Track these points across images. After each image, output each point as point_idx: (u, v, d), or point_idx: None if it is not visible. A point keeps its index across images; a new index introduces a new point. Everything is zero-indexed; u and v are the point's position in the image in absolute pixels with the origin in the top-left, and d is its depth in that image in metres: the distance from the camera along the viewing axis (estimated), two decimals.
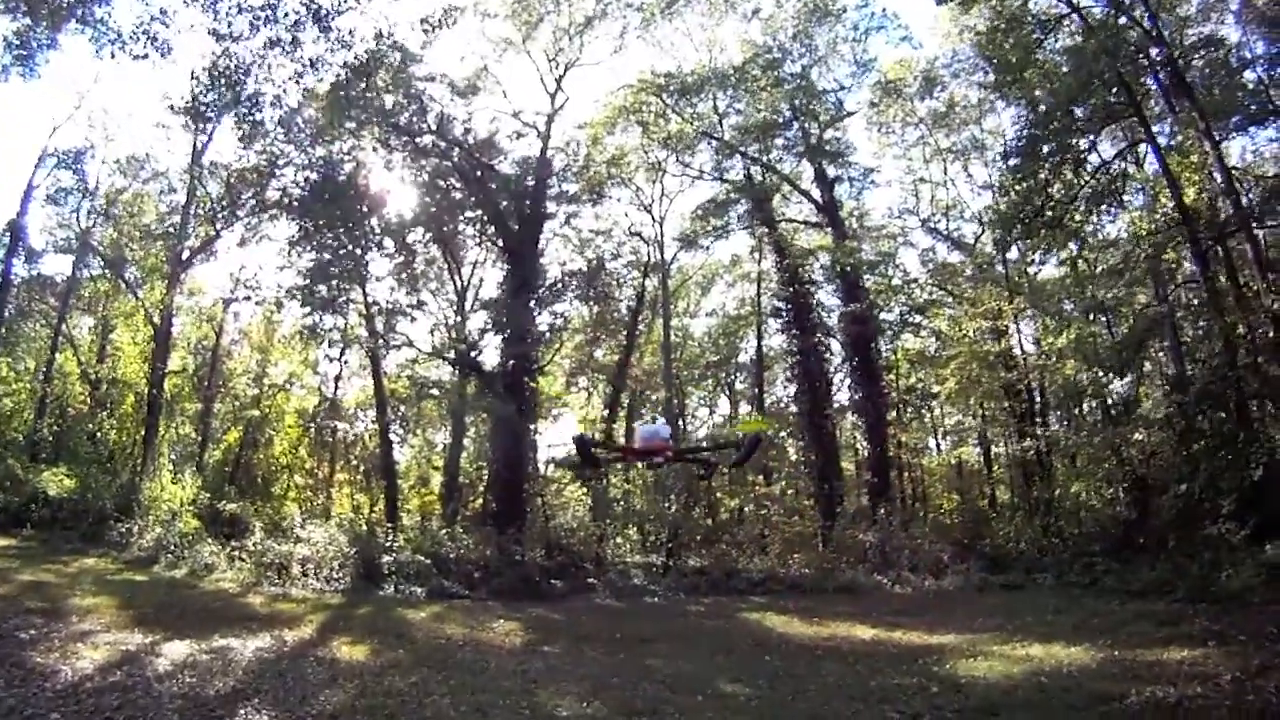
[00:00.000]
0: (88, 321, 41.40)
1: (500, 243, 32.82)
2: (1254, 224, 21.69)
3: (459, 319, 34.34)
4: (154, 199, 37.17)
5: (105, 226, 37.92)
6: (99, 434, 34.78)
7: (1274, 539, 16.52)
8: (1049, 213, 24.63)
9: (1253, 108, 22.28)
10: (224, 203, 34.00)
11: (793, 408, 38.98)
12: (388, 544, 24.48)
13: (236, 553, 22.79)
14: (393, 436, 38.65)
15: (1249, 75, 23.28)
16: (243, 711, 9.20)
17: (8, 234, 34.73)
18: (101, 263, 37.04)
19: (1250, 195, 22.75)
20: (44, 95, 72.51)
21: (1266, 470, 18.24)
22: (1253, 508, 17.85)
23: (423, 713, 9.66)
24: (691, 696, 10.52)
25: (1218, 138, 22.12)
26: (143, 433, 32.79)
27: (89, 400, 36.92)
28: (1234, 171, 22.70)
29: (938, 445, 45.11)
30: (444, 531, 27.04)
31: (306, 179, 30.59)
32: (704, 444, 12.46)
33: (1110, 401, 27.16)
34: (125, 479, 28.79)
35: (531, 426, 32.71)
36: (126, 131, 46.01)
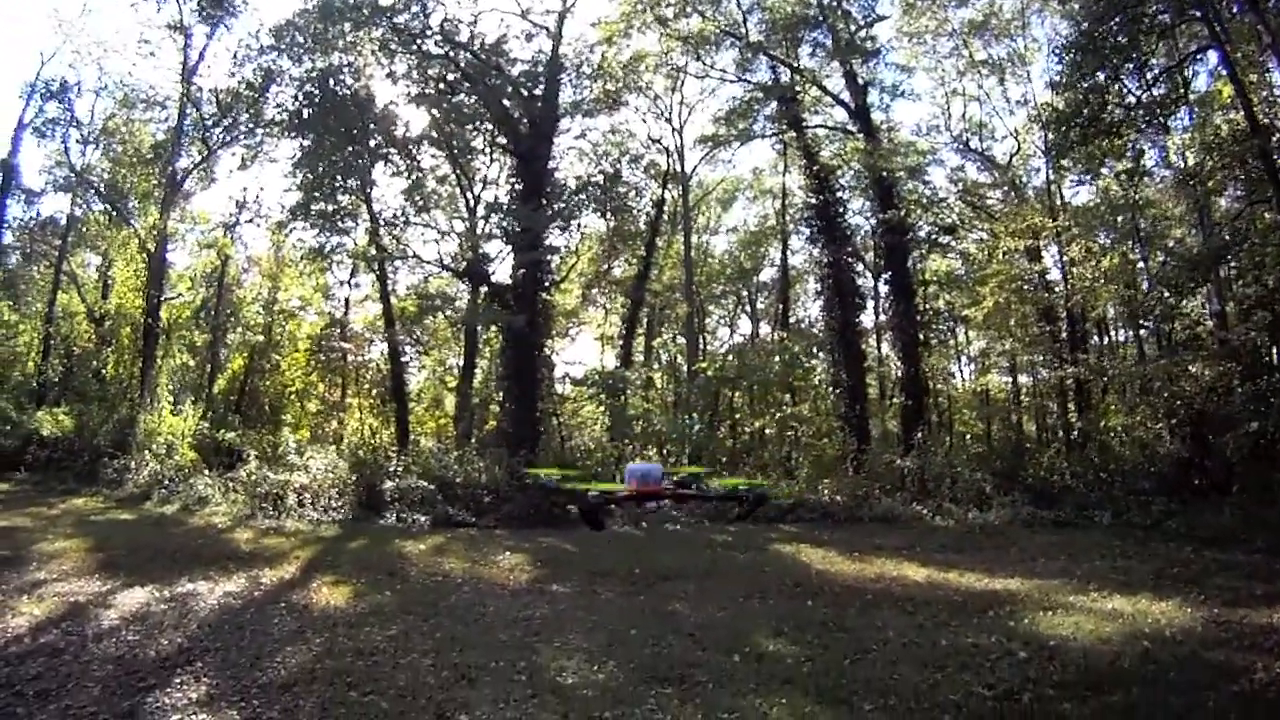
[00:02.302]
0: (94, 260, 41.06)
1: (511, 148, 31.02)
2: None
3: (469, 231, 32.70)
4: (145, 124, 35.86)
5: (99, 157, 37.01)
6: (104, 371, 33.82)
7: None
8: (1108, 117, 22.62)
9: None
10: (216, 120, 33.18)
11: (818, 326, 37.70)
12: (391, 469, 23.20)
13: (231, 485, 21.97)
14: (404, 357, 37.66)
15: None
16: (178, 680, 7.89)
17: (1, 174, 34.18)
18: (97, 195, 35.68)
19: None
20: (32, 30, 70.87)
21: None
22: None
23: (393, 679, 8.12)
24: (726, 656, 8.90)
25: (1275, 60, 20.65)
26: (140, 365, 31.71)
27: (94, 338, 35.89)
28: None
29: (961, 372, 43.76)
30: (452, 455, 25.63)
31: (305, 93, 29.50)
32: (705, 492, 11.72)
33: (1168, 329, 25.43)
34: (123, 414, 27.94)
35: (546, 342, 31.29)
36: (116, 62, 44.40)
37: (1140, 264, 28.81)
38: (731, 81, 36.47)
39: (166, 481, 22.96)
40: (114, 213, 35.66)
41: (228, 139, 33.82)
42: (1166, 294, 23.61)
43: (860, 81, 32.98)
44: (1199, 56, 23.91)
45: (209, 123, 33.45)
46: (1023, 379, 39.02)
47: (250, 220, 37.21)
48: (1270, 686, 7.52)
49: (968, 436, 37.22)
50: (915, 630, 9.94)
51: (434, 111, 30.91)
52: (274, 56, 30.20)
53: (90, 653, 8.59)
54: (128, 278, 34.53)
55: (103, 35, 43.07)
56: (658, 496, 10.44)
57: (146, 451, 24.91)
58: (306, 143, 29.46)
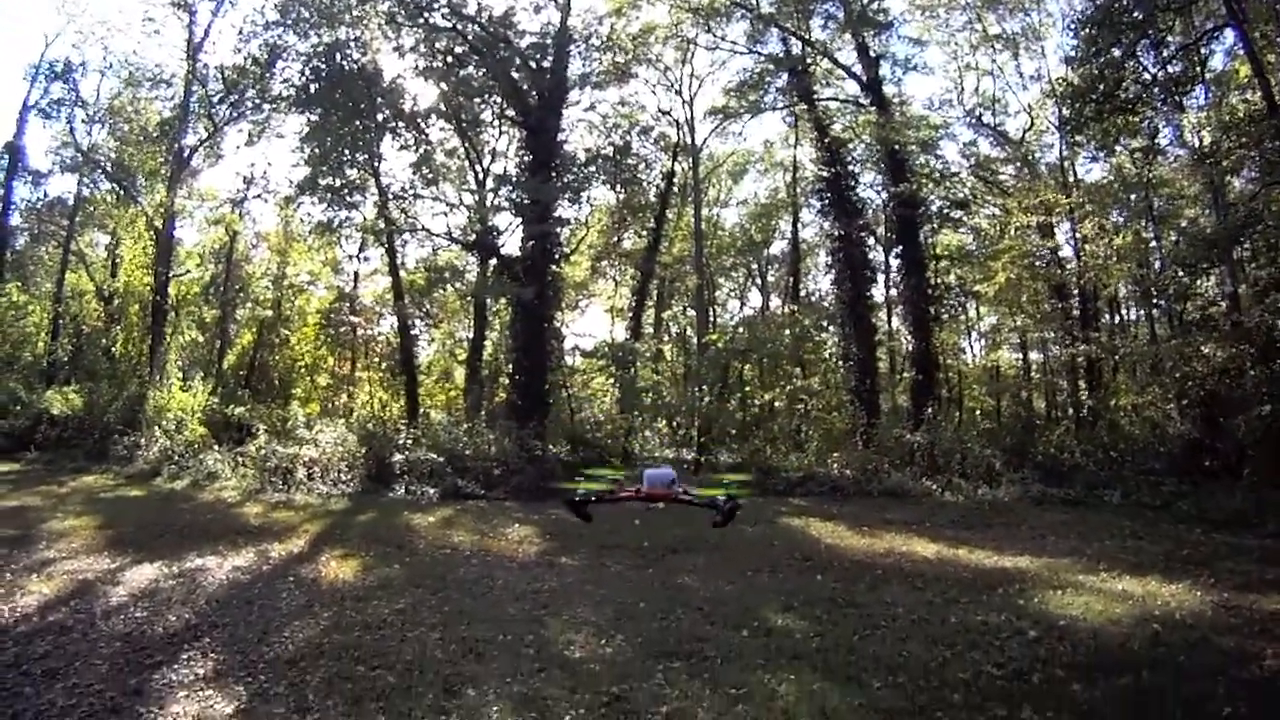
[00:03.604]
0: (102, 239, 41.00)
1: (519, 120, 30.81)
2: None
3: (478, 204, 32.57)
4: (151, 103, 35.76)
5: (105, 136, 36.93)
6: (113, 349, 33.85)
7: None
8: (1124, 93, 22.44)
9: None
10: (222, 96, 33.18)
11: (828, 300, 37.59)
12: (400, 442, 23.22)
13: (240, 459, 22.09)
14: (413, 330, 37.71)
15: None
16: (185, 655, 7.91)
17: (6, 156, 34.26)
18: (104, 174, 35.63)
19: None
20: (36, 11, 70.67)
21: None
22: None
23: (401, 652, 8.12)
24: (735, 631, 8.89)
25: None
26: (149, 342, 31.77)
27: (103, 317, 35.94)
28: None
29: (971, 348, 43.66)
30: (462, 427, 25.67)
31: (312, 68, 29.34)
32: (697, 500, 11.91)
33: (1180, 309, 25.27)
34: (132, 391, 27.99)
35: (555, 314, 31.22)
36: (120, 41, 44.25)
37: (1153, 243, 28.65)
38: (742, 53, 36.13)
39: (176, 457, 23.04)
40: (121, 191, 35.63)
41: (234, 115, 33.79)
42: (1180, 273, 23.45)
43: (872, 54, 32.70)
44: (1216, 35, 23.58)
45: (215, 99, 33.41)
46: (1033, 356, 39.02)
47: (258, 196, 37.45)
48: None
49: (977, 412, 37.23)
50: (924, 607, 9.91)
51: (442, 84, 30.65)
52: (279, 32, 30.03)
53: (98, 630, 8.59)
54: (136, 256, 34.53)
55: (106, 14, 42.97)
56: (662, 500, 10.57)
57: (156, 428, 24.97)
58: (314, 117, 29.36)
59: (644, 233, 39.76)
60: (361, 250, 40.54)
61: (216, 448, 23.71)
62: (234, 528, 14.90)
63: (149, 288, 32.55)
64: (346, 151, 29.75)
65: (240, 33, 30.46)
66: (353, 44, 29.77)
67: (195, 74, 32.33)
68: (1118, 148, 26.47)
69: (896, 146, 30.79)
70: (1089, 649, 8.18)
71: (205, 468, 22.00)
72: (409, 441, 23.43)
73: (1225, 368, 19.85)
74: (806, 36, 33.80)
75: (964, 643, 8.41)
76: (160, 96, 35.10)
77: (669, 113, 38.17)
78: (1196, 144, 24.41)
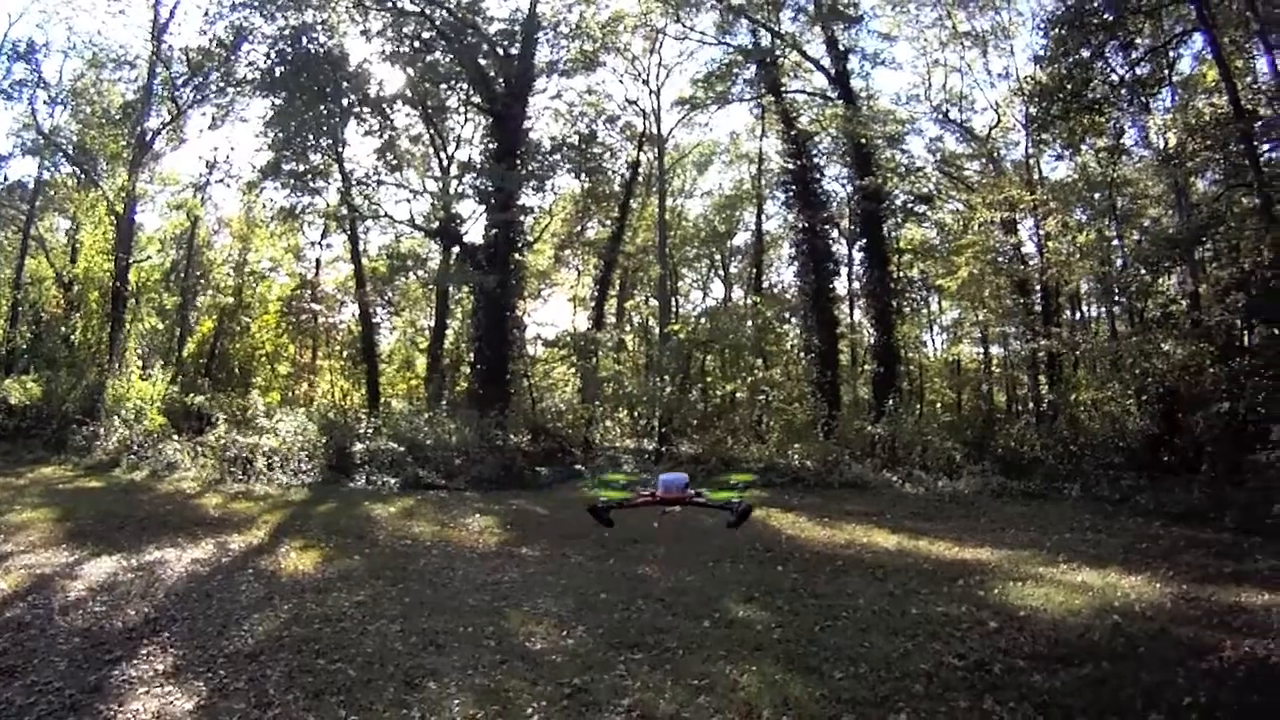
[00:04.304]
0: (63, 224, 39.92)
1: (485, 107, 30.66)
2: None
3: (442, 191, 32.30)
4: (114, 85, 34.93)
5: (67, 118, 35.82)
6: (73, 337, 33.08)
7: None
8: (1091, 93, 22.66)
9: None
10: (186, 79, 32.41)
11: (791, 291, 37.72)
12: (361, 431, 23.07)
13: (200, 449, 21.76)
14: (375, 318, 37.45)
15: None
16: (145, 650, 7.77)
17: None
18: (65, 157, 34.84)
19: None
20: None
21: None
22: None
23: (361, 645, 8.03)
24: (696, 622, 8.88)
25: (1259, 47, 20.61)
26: (108, 329, 31.17)
27: (62, 304, 35.15)
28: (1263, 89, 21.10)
29: (933, 341, 43.99)
30: (423, 416, 25.48)
31: (278, 51, 28.95)
32: (710, 501, 12.11)
33: (1142, 306, 25.53)
34: (91, 379, 27.39)
35: (518, 303, 31.03)
36: (85, 21, 43.58)
37: (1115, 241, 28.86)
38: (711, 44, 35.93)
39: (135, 447, 22.60)
40: (82, 175, 34.82)
41: (198, 98, 33.03)
42: (1142, 272, 23.74)
43: (841, 48, 32.69)
44: (1185, 38, 23.84)
45: (179, 82, 32.70)
46: (995, 350, 39.23)
47: (220, 181, 36.69)
48: (1239, 665, 7.49)
49: (938, 405, 37.34)
50: (885, 598, 9.93)
51: (408, 70, 30.48)
52: (246, 13, 29.42)
53: (57, 626, 8.44)
54: (96, 241, 33.86)
55: None
56: (677, 503, 10.64)
57: (115, 417, 24.49)
58: (278, 101, 28.92)
59: (608, 222, 39.64)
60: (324, 237, 40.33)
61: (176, 437, 23.36)
62: (193, 519, 14.69)
63: (109, 274, 31.91)
64: (310, 136, 29.42)
65: (206, 14, 29.84)
66: (319, 27, 29.43)
67: (159, 55, 31.66)
68: (1083, 147, 26.68)
69: (863, 140, 30.81)
70: (1050, 640, 8.20)
71: (164, 458, 21.61)
72: (370, 431, 23.30)
73: (1185, 365, 19.97)
74: (776, 28, 33.74)
75: (925, 634, 8.43)
76: (123, 78, 34.34)
77: (635, 102, 38.11)
78: (1162, 145, 24.60)
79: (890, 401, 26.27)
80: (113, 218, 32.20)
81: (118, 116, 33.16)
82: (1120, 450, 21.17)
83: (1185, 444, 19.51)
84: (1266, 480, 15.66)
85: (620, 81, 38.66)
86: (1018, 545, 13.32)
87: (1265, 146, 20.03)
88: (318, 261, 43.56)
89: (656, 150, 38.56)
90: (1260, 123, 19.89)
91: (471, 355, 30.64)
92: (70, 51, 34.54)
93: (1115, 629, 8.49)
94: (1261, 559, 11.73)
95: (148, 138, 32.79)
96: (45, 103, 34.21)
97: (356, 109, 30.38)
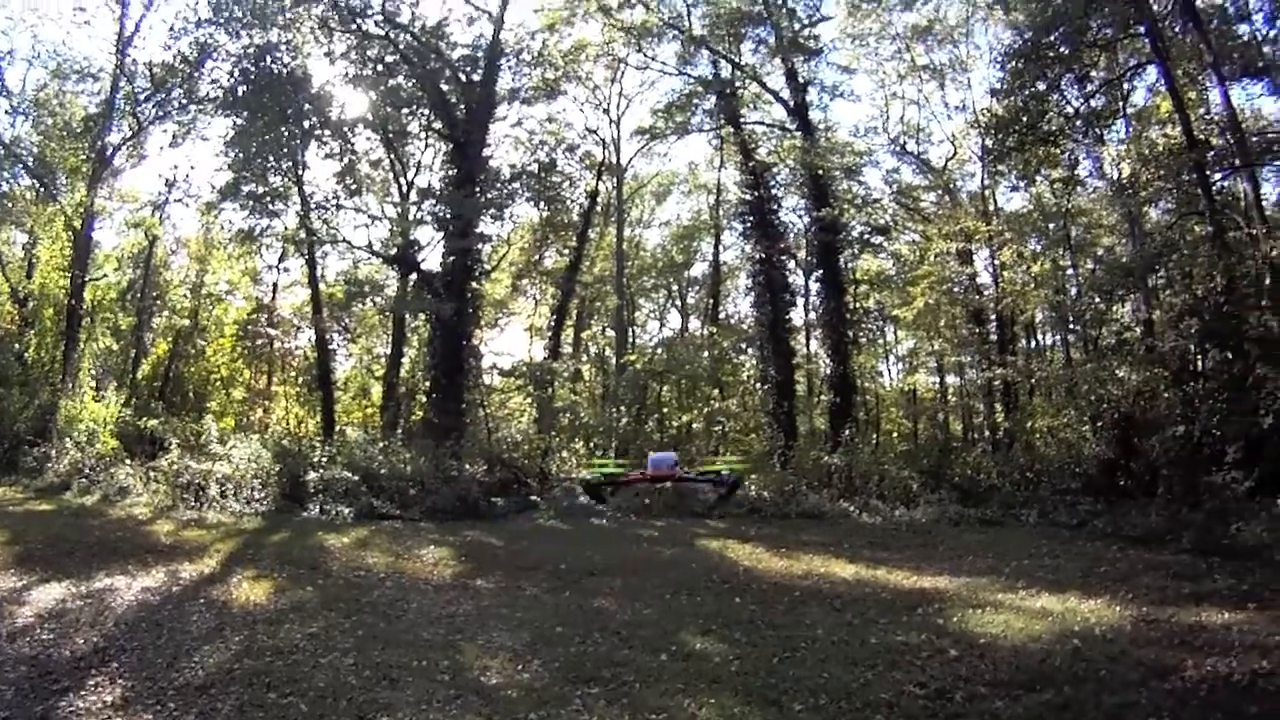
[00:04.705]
0: (20, 238, 39.25)
1: (445, 133, 30.69)
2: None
3: (400, 217, 32.13)
4: (77, 97, 34.35)
5: (28, 129, 35.23)
6: (26, 355, 32.38)
7: None
8: (1046, 125, 23.18)
9: (1237, 59, 21.29)
10: (149, 94, 32.00)
11: (747, 322, 37.89)
12: (315, 460, 22.69)
13: (152, 474, 21.20)
14: (331, 345, 37.09)
15: (1243, 29, 22.42)
16: (92, 681, 7.53)
17: None
18: (25, 169, 34.24)
19: (1253, 139, 21.42)
20: None
21: (1276, 419, 16.91)
22: (1256, 457, 16.72)
23: (313, 679, 7.78)
24: (653, 655, 8.68)
25: (1214, 79, 20.97)
26: (62, 348, 30.66)
27: (17, 320, 34.40)
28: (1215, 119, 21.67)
29: (889, 371, 44.34)
30: (378, 445, 25.21)
31: (241, 70, 28.81)
32: (697, 476, 12.20)
33: (1096, 334, 25.85)
34: (45, 399, 26.89)
35: (474, 332, 30.97)
36: (50, 30, 43.02)
37: (1070, 270, 29.33)
38: (672, 74, 36.53)
39: (87, 471, 22.09)
40: (41, 188, 34.20)
41: (160, 114, 32.62)
42: (1097, 300, 24.09)
43: (801, 80, 33.15)
44: (1140, 71, 24.51)
45: (141, 97, 32.30)
46: (950, 379, 39.68)
47: (179, 200, 36.23)
48: (1201, 684, 7.45)
49: (895, 435, 37.72)
50: (844, 628, 9.80)
51: (371, 94, 30.47)
52: (211, 30, 29.24)
53: (3, 653, 8.19)
54: (52, 256, 33.12)
55: (38, 1, 41.40)
56: (668, 480, 10.61)
57: (68, 439, 24.05)
58: (240, 121, 28.80)
59: (565, 251, 39.82)
60: (281, 260, 40.21)
61: (128, 461, 22.84)
62: (144, 546, 14.31)
63: (65, 291, 31.32)
64: (271, 158, 29.35)
65: (171, 29, 29.60)
66: (283, 47, 29.37)
67: (123, 69, 31.27)
68: (1038, 178, 27.31)
69: (820, 172, 31.16)
70: (1010, 666, 8.11)
71: (116, 482, 21.10)
72: (324, 459, 22.91)
73: (1139, 390, 20.28)
74: (737, 60, 34.34)
75: (885, 663, 8.31)
76: (86, 90, 33.77)
77: (595, 131, 38.34)
78: (1116, 176, 25.02)
79: (847, 431, 26.32)
80: (70, 233, 31.65)
81: (79, 130, 32.61)
82: (1077, 476, 21.32)
83: (1141, 468, 19.67)
84: (1223, 501, 15.93)
85: (581, 110, 38.99)
86: (976, 572, 13.24)
87: (1218, 176, 20.58)
88: (275, 285, 43.43)
89: (615, 180, 38.78)
90: (1212, 152, 20.29)
91: (428, 384, 30.48)
92: (34, 60, 34.04)
93: (1076, 653, 8.43)
94: (1220, 578, 11.70)
95: (108, 153, 32.38)
96: (6, 112, 33.72)
97: (318, 131, 30.27)
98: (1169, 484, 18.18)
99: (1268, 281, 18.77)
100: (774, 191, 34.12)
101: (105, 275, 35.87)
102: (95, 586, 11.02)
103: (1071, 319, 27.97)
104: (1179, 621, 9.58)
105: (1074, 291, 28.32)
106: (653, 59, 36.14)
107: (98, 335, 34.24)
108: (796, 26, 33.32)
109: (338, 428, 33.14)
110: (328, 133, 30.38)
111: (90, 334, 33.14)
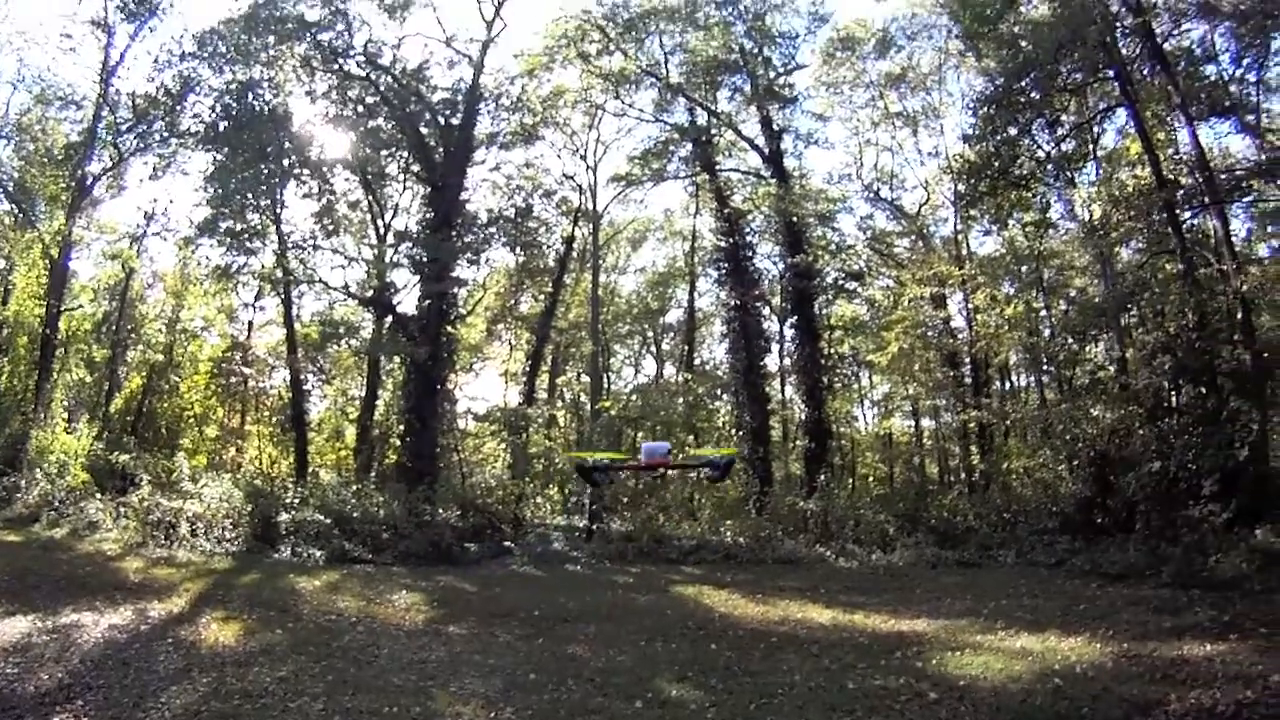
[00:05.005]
0: None
1: (424, 176, 30.79)
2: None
3: (377, 259, 32.04)
4: (59, 123, 34.06)
5: (10, 154, 34.62)
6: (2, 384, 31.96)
7: (1258, 522, 15.64)
8: (1018, 170, 23.49)
9: (1204, 99, 21.36)
10: (131, 125, 31.78)
11: (722, 368, 37.88)
12: (287, 501, 22.47)
13: (123, 510, 21.00)
14: (305, 385, 36.81)
15: (1210, 69, 22.47)
16: (58, 718, 7.55)
17: None
18: (4, 194, 33.95)
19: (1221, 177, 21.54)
20: None
21: (1251, 451, 17.06)
22: (1232, 490, 16.70)
23: None
24: (628, 702, 8.61)
25: (1182, 119, 21.17)
26: (35, 378, 30.23)
27: None
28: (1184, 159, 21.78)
29: (864, 416, 44.36)
30: (351, 488, 24.96)
31: (223, 105, 28.77)
32: (689, 462, 12.43)
33: (1070, 374, 25.99)
34: (16, 428, 26.54)
35: (449, 376, 30.91)
36: (36, 55, 42.79)
37: (1043, 312, 29.47)
38: (649, 121, 36.59)
39: (57, 503, 21.87)
40: (19, 214, 33.85)
41: (141, 146, 32.40)
42: (1070, 340, 24.24)
43: (776, 127, 33.49)
44: (1109, 114, 24.81)
45: (123, 127, 32.05)
46: (926, 423, 39.60)
47: (158, 234, 36.04)
48: (1185, 718, 7.45)
49: (871, 479, 37.65)
50: (821, 673, 9.71)
51: (351, 134, 30.46)
52: (195, 64, 29.34)
53: None
54: (28, 284, 32.74)
55: (26, 25, 41.04)
56: (661, 467, 10.69)
57: (38, 470, 23.77)
58: (220, 157, 28.71)
59: (541, 297, 39.70)
60: (257, 299, 39.68)
61: (99, 496, 22.56)
62: (113, 582, 14.25)
63: (40, 319, 30.95)
64: (249, 195, 29.03)
65: (156, 60, 29.63)
66: (265, 84, 29.40)
67: (106, 98, 31.07)
68: (1010, 221, 27.44)
69: (794, 219, 31.34)
70: (991, 707, 8.09)
71: (86, 516, 20.90)
72: (296, 501, 22.71)
73: (1114, 428, 20.43)
74: (713, 107, 34.51)
75: (863, 708, 8.25)
76: (69, 118, 33.44)
77: (572, 177, 38.33)
78: (1087, 217, 25.21)
79: (822, 476, 26.47)
80: (47, 261, 31.28)
81: (60, 157, 32.34)
82: (1054, 515, 21.32)
83: (1118, 505, 19.71)
84: (1201, 534, 15.95)
85: (558, 156, 39.00)
86: (954, 614, 13.18)
87: (1187, 214, 20.81)
88: (250, 324, 42.77)
89: (592, 226, 38.81)
90: (1182, 191, 20.56)
91: (401, 427, 30.19)
92: (19, 84, 33.73)
93: (1057, 692, 8.40)
94: (1201, 611, 11.67)
95: (88, 182, 32.13)
96: None
97: (297, 170, 30.13)
98: (1147, 519, 18.25)
99: (1239, 316, 18.88)
100: (749, 238, 34.29)
101: (81, 306, 35.49)
102: (62, 622, 10.91)
103: (1045, 360, 28.07)
104: (1161, 656, 9.54)
105: (1047, 333, 28.48)
106: (630, 106, 36.30)
107: (71, 366, 33.93)
108: (772, 75, 33.74)
109: (311, 469, 32.76)
110: (307, 172, 30.28)
111: (64, 364, 32.82)
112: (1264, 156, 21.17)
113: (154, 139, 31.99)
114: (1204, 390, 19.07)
